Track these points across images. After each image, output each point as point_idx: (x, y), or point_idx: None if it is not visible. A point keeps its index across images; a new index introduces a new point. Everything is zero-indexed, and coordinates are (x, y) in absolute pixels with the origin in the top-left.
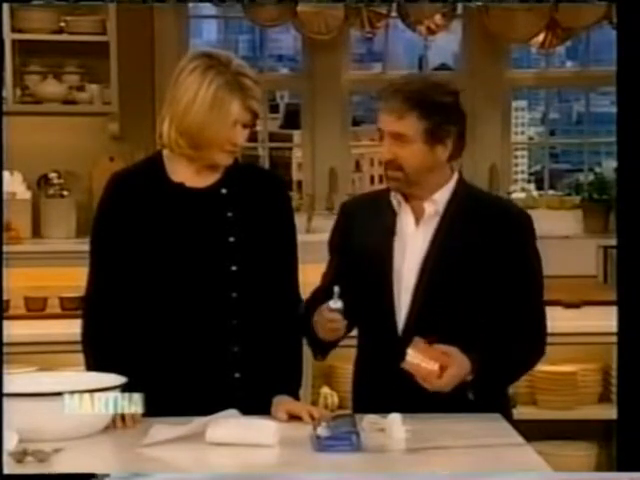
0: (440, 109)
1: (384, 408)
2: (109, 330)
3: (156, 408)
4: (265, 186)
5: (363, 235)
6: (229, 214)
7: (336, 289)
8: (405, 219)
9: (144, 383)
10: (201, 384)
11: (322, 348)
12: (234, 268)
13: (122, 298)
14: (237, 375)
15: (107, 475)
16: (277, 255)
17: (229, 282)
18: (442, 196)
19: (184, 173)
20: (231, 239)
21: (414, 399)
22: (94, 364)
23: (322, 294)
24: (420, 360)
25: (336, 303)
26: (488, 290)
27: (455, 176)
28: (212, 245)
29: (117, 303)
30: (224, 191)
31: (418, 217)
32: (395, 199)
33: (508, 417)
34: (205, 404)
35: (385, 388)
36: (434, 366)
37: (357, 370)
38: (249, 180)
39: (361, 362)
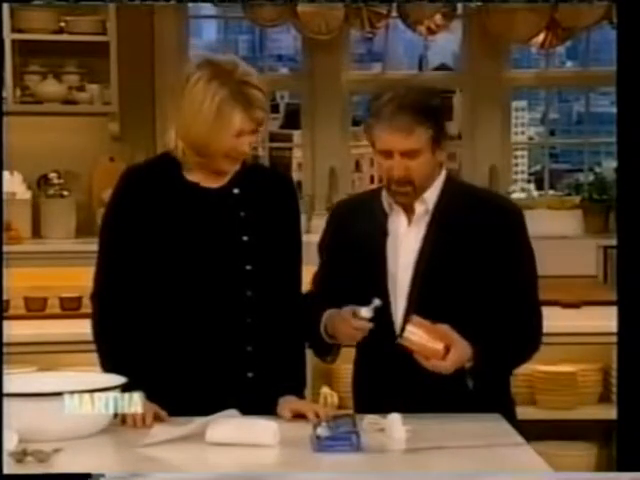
0: (439, 113)
1: (385, 407)
2: (121, 328)
3: (169, 407)
4: (274, 185)
5: (355, 237)
6: (242, 213)
7: (377, 302)
8: (397, 219)
9: (157, 382)
10: (215, 383)
11: (330, 351)
12: (249, 267)
13: (134, 296)
14: (250, 374)
15: (102, 475)
16: (287, 254)
17: (244, 281)
18: (432, 194)
19: (197, 173)
20: (245, 238)
21: (414, 396)
22: (108, 362)
23: (321, 298)
24: (419, 337)
25: (368, 312)
26: (482, 284)
27: (444, 172)
28: (227, 244)
29: (129, 301)
30: (236, 191)
31: (410, 217)
32: (386, 200)
33: (511, 416)
34: (218, 403)
35: (385, 387)
36: (439, 345)
37: (356, 370)
38: (259, 180)
39: (360, 362)
